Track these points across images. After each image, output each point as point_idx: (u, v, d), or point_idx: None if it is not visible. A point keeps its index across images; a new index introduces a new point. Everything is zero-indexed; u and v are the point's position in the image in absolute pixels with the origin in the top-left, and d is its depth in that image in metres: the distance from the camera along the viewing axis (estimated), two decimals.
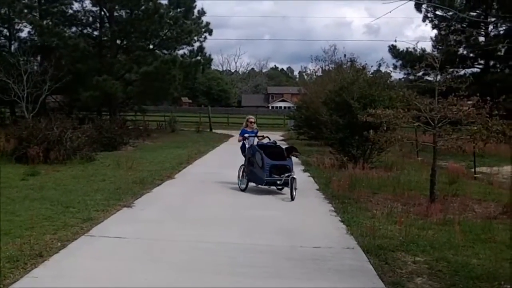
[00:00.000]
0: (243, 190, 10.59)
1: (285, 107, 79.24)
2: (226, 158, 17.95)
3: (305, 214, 8.49)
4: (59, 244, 6.15)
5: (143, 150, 20.18)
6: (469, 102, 9.90)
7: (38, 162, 13.68)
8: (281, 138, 29.50)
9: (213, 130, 37.02)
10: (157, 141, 25.18)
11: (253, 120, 12.06)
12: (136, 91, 28.97)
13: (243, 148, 11.73)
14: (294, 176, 9.90)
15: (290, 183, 9.79)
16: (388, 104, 12.69)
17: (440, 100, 9.61)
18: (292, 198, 9.62)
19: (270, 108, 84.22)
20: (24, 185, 10.66)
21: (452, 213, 8.43)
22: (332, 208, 8.93)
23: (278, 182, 10.22)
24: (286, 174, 10.02)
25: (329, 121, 15.26)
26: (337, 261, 5.87)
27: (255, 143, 11.20)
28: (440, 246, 6.50)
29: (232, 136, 30.75)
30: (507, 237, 7.09)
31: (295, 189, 9.80)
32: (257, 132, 11.75)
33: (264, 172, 10.18)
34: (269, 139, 11.41)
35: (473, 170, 14.59)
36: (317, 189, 10.91)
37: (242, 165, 11.13)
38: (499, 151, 20.47)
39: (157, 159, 16.37)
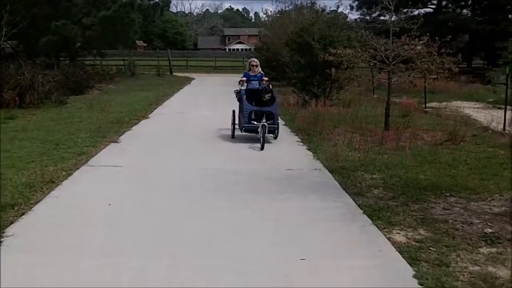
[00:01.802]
0: (232, 137, 10.02)
1: (242, 49, 79.01)
2: (193, 99, 18.76)
3: (276, 145, 9.46)
4: (63, 173, 6.93)
5: (109, 93, 20.58)
6: (421, 42, 10.89)
7: (13, 106, 14.07)
8: None
9: (174, 73, 37.21)
10: (120, 85, 25.44)
11: (255, 64, 10.68)
12: (95, 36, 28.79)
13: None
14: (265, 124, 9.15)
15: (261, 130, 9.04)
16: (346, 44, 13.58)
17: (394, 40, 10.61)
18: (261, 147, 8.92)
19: (227, 50, 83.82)
20: (6, 127, 11.15)
21: (404, 141, 9.58)
22: (299, 139, 10.00)
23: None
24: (268, 122, 9.34)
25: (291, 61, 16.12)
26: (307, 179, 6.95)
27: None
28: (393, 166, 7.64)
29: (193, 78, 31.31)
30: (449, 158, 8.31)
31: (275, 137, 9.73)
32: (261, 77, 10.38)
33: (243, 118, 9.62)
34: (269, 85, 10.15)
35: (423, 105, 15.85)
36: (284, 124, 11.84)
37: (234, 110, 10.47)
38: (448, 88, 22.01)
39: (126, 102, 16.91)
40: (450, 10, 33.83)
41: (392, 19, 11.57)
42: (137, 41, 65.73)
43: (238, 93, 10.30)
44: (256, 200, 5.92)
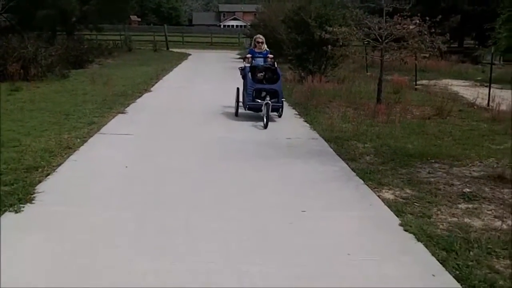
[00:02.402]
0: (236, 115, 9.91)
1: (237, 26, 78.99)
2: (193, 74, 19.24)
3: (275, 117, 10.00)
4: (78, 140, 7.46)
5: (109, 67, 20.97)
6: (413, 22, 11.39)
7: (17, 79, 14.47)
8: (238, 56, 30.58)
9: (170, 49, 37.48)
10: (118, 60, 25.78)
11: (261, 40, 10.55)
12: (92, 10, 29.01)
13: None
14: (269, 102, 9.06)
15: (264, 108, 9.02)
16: (341, 23, 14.04)
17: (387, 19, 11.12)
18: (265, 126, 8.83)
19: (222, 27, 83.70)
20: (13, 99, 11.57)
21: (394, 114, 10.14)
22: (296, 113, 10.57)
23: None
24: (272, 100, 9.25)
25: (288, 38, 16.57)
26: (305, 147, 7.56)
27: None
28: (384, 137, 8.23)
29: (190, 54, 31.65)
30: (436, 130, 8.92)
31: (280, 115, 9.65)
32: (266, 54, 10.31)
33: (248, 96, 9.46)
34: (274, 62, 10.13)
35: (414, 82, 16.41)
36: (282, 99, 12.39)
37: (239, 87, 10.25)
38: (439, 67, 22.58)
39: (126, 76, 17.35)
40: None
41: None
42: (131, 16, 65.56)
43: (242, 70, 10.11)
44: (261, 164, 6.52)
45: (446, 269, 3.71)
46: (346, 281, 3.52)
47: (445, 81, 18.35)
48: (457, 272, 3.66)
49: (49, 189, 5.19)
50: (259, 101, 9.28)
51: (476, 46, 36.94)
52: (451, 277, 3.60)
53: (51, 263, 3.64)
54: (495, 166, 6.72)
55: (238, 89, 10.07)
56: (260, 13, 30.55)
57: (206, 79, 17.56)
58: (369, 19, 11.35)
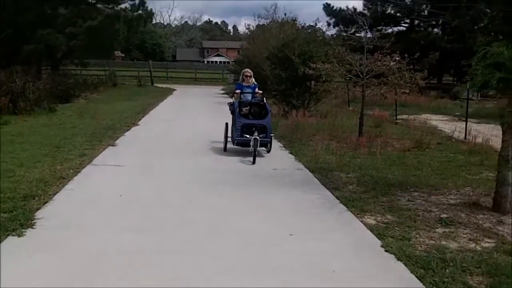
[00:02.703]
0: (224, 150, 9.88)
1: (221, 62, 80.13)
2: (178, 109, 19.61)
3: (264, 152, 10.22)
4: (71, 171, 7.68)
5: (96, 102, 21.24)
6: (397, 58, 11.96)
7: (6, 113, 14.67)
8: (222, 92, 31.14)
9: (155, 84, 37.93)
10: (103, 94, 26.07)
11: (249, 74, 10.50)
12: (79, 45, 29.40)
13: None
14: (257, 138, 9.08)
15: (253, 144, 8.99)
16: (324, 60, 14.60)
17: (368, 56, 11.68)
18: (253, 161, 8.79)
19: (205, 62, 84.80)
20: (3, 132, 11.63)
21: (376, 147, 10.56)
22: (282, 145, 10.95)
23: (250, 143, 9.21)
24: (261, 135, 9.26)
25: (272, 74, 17.08)
26: (291, 177, 7.90)
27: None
28: (365, 167, 8.62)
29: (175, 89, 32.11)
30: (415, 162, 9.35)
31: (268, 150, 9.68)
32: (255, 88, 10.30)
33: (236, 131, 9.47)
34: (263, 97, 10.13)
35: (395, 117, 16.96)
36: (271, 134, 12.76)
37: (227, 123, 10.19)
38: (418, 102, 23.35)
39: (113, 110, 17.61)
40: (422, 29, 35.39)
41: (368, 35, 12.62)
42: (115, 52, 66.12)
43: (231, 106, 10.14)
44: (248, 193, 6.83)
45: (424, 284, 4.03)
46: None
47: (425, 116, 18.98)
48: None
49: (48, 215, 5.42)
50: (248, 136, 9.24)
51: (455, 82, 38.08)
52: None
53: (56, 280, 3.87)
54: (470, 194, 7.11)
55: (226, 124, 10.08)
56: (245, 49, 31.28)
57: (192, 114, 17.94)
58: (351, 56, 11.90)
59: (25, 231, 4.87)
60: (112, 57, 64.27)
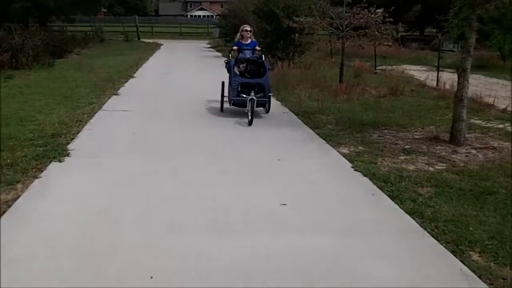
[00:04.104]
0: (221, 110, 9.47)
1: (204, 16, 79.80)
2: (168, 62, 20.52)
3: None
4: (85, 116, 8.74)
5: (88, 57, 21.91)
6: (378, 11, 12.88)
7: (8, 68, 15.48)
8: (209, 46, 31.87)
9: (141, 39, 38.40)
10: (93, 50, 26.68)
11: (248, 29, 9.91)
12: (66, 2, 29.74)
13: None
14: (254, 98, 8.55)
15: (250, 104, 8.46)
16: (307, 13, 15.50)
17: (347, 10, 12.66)
18: (249, 123, 8.32)
19: (189, 17, 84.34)
20: (10, 85, 12.59)
21: (354, 94, 11.71)
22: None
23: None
24: (258, 95, 8.77)
25: (258, 28, 17.93)
26: (278, 119, 9.06)
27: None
28: (344, 111, 9.77)
29: (161, 44, 32.75)
30: (389, 106, 10.50)
31: (267, 111, 9.31)
32: (254, 45, 9.74)
33: (232, 90, 9.02)
34: (262, 54, 9.68)
35: (374, 67, 18.05)
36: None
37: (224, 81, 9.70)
38: (399, 54, 24.35)
39: (107, 64, 18.41)
40: None
41: None
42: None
43: (227, 63, 9.60)
44: (241, 129, 8.02)
45: (383, 191, 5.23)
46: (309, 197, 5.00)
47: (404, 67, 20.06)
48: (390, 193, 5.18)
49: (78, 148, 6.53)
50: (245, 96, 8.72)
51: (436, 34, 39.06)
52: (385, 195, 5.12)
53: (96, 188, 5.04)
54: (434, 131, 8.31)
55: (223, 83, 9.62)
56: (230, 3, 31.76)
57: (183, 66, 18.89)
58: (332, 10, 12.86)
59: (64, 158, 6.01)
60: (96, 13, 64.16)
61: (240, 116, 8.92)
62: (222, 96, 9.56)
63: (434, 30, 43.04)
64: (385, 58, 21.43)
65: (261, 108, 9.32)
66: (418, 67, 20.61)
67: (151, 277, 3.35)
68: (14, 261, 3.52)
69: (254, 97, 8.56)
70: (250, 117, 8.35)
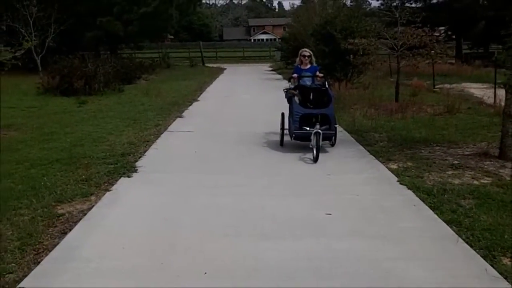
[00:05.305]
0: (281, 145, 8.59)
1: (267, 39, 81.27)
2: (231, 85, 21.41)
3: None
4: (152, 137, 9.51)
5: (155, 82, 23.19)
6: (441, 28, 13.09)
7: (82, 94, 16.74)
8: (270, 69, 32.65)
9: (205, 64, 39.78)
10: (160, 75, 28.05)
11: (308, 54, 9.04)
12: (135, 30, 31.58)
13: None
14: (319, 131, 7.64)
15: (315, 138, 7.55)
16: (364, 34, 15.86)
17: (402, 31, 12.95)
18: (315, 160, 7.43)
19: (252, 41, 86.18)
20: (83, 110, 13.71)
21: (409, 112, 11.90)
22: None
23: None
24: (323, 127, 7.86)
25: (316, 50, 18.44)
26: None
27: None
28: (397, 129, 10.03)
29: (225, 68, 33.89)
30: (443, 123, 10.64)
31: (333, 144, 8.43)
32: (315, 70, 8.89)
33: (293, 123, 8.12)
34: (325, 81, 8.70)
35: (433, 86, 18.05)
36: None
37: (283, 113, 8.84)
38: (460, 71, 24.07)
39: (173, 89, 19.50)
40: None
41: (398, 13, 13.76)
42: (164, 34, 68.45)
43: (287, 92, 8.70)
44: (294, 144, 8.54)
45: (425, 203, 5.52)
46: (353, 207, 5.37)
47: (464, 85, 19.85)
48: (431, 205, 5.46)
49: (145, 165, 7.23)
50: (308, 128, 7.88)
51: (502, 51, 38.06)
52: (426, 206, 5.41)
53: (162, 199, 5.64)
54: (484, 147, 8.42)
55: (283, 114, 8.77)
56: (291, 26, 32.51)
57: (245, 89, 19.66)
58: (387, 31, 13.18)
59: (132, 174, 6.71)
60: (163, 40, 66.97)
61: (302, 151, 8.13)
62: (283, 129, 8.67)
63: (500, 46, 42.00)
64: (445, 77, 21.31)
65: (327, 141, 8.40)
66: (479, 85, 20.29)
67: (205, 273, 3.85)
68: (88, 260, 4.13)
69: (319, 130, 7.69)
70: (315, 153, 7.47)
